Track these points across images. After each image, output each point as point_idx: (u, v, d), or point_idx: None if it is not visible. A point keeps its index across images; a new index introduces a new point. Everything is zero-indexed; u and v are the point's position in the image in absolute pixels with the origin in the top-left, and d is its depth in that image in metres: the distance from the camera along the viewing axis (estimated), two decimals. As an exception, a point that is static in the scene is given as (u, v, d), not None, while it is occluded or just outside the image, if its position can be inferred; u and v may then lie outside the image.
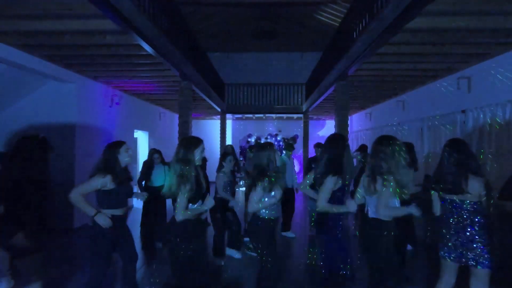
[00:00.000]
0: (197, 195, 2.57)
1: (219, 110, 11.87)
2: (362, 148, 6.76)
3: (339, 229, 2.99)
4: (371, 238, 2.66)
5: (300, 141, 13.43)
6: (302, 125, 12.96)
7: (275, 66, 14.15)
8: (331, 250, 3.09)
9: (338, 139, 3.05)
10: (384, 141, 2.64)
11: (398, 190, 2.57)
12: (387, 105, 9.12)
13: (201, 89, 8.26)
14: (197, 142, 2.62)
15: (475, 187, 2.51)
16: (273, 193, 2.84)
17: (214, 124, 14.15)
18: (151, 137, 10.13)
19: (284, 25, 12.41)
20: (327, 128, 14.07)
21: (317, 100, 9.42)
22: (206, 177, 5.40)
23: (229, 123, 14.33)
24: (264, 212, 2.89)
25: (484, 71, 5.25)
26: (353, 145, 11.44)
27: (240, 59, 14.28)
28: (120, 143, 2.91)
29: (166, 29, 5.78)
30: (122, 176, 2.83)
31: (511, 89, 4.70)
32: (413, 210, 2.60)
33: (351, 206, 2.79)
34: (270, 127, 14.37)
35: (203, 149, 2.65)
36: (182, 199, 2.48)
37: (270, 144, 2.94)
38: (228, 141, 13.42)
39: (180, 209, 2.49)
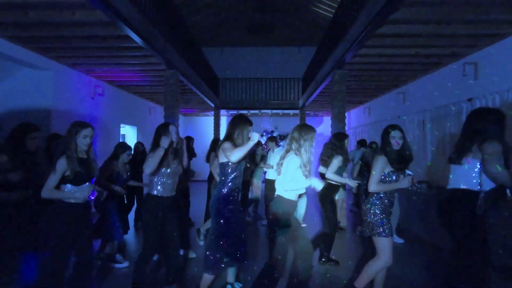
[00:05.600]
0: (81, 178, 2.51)
1: (212, 105, 11.45)
2: (362, 143, 6.91)
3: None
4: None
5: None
6: (298, 121, 12.52)
7: (271, 61, 13.72)
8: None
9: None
10: (297, 128, 2.92)
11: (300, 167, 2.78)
12: (386, 98, 8.68)
13: (191, 82, 7.83)
14: (82, 126, 2.58)
15: None
16: (168, 169, 2.93)
17: (208, 121, 13.70)
18: (139, 132, 9.67)
19: (280, 18, 12.00)
20: (324, 124, 13.62)
21: (313, 93, 8.99)
22: None
23: (223, 120, 13.89)
24: (155, 190, 2.94)
25: (492, 55, 4.81)
26: (351, 141, 10.99)
27: (235, 54, 13.85)
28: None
29: (149, 11, 5.35)
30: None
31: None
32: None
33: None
34: (266, 124, 13.92)
35: (86, 135, 2.57)
36: (52, 176, 2.44)
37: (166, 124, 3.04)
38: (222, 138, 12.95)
39: (46, 186, 2.44)
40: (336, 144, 4.05)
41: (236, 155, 2.62)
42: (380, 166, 2.67)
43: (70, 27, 4.39)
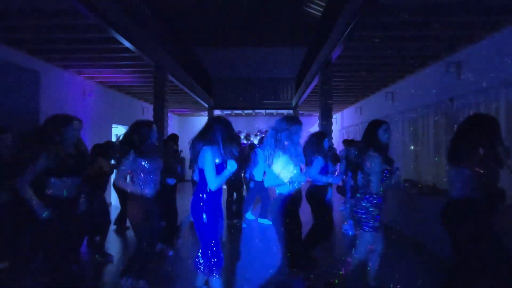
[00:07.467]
0: (61, 170, 2.44)
1: (206, 105, 11.52)
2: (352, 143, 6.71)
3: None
4: None
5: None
6: (292, 121, 12.58)
7: (265, 61, 13.78)
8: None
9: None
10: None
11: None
12: (376, 98, 8.76)
13: (182, 82, 7.90)
14: (66, 120, 2.58)
15: None
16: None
17: (202, 121, 13.74)
18: (132, 133, 9.72)
19: (274, 18, 12.06)
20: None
21: (304, 93, 9.07)
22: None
23: (218, 120, 13.94)
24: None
25: (476, 54, 4.87)
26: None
27: (228, 54, 13.90)
28: None
29: (138, 14, 5.43)
30: None
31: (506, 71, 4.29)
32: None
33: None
34: (260, 124, 14.00)
35: (75, 128, 2.61)
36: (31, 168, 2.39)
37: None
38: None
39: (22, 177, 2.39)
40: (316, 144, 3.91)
41: None
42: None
43: (59, 30, 4.48)
